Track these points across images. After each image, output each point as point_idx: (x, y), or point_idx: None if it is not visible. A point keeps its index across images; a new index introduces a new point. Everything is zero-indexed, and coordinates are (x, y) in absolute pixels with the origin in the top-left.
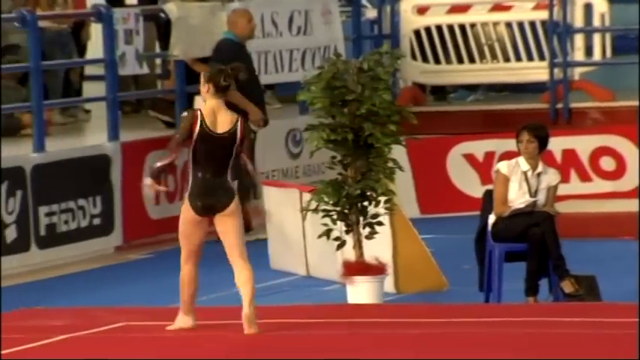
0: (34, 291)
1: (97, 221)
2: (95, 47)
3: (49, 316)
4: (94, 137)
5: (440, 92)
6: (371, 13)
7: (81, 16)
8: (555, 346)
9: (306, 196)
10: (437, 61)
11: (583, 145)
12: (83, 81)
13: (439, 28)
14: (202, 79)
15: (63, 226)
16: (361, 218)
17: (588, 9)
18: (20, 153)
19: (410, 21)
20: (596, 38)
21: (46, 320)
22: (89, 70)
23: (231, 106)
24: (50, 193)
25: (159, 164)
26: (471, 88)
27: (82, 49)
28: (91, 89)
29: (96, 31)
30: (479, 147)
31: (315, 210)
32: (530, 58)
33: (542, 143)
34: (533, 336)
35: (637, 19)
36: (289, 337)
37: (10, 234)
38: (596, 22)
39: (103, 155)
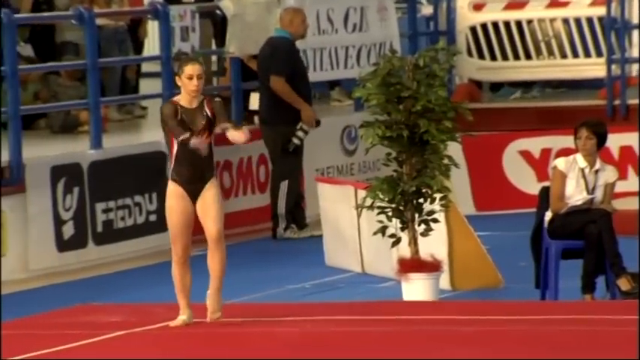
0: (90, 287)
1: (153, 217)
2: (151, 44)
3: (105, 312)
4: (151, 134)
5: (498, 89)
6: (427, 9)
7: (137, 14)
8: (612, 344)
9: (361, 193)
10: (493, 57)
11: None
12: (140, 78)
13: (495, 24)
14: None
15: (120, 223)
16: (416, 215)
17: None
18: (77, 150)
19: (466, 17)
20: None
21: (103, 316)
22: (146, 68)
23: (281, 104)
24: (107, 189)
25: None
26: (527, 84)
27: (138, 47)
28: (147, 86)
29: (152, 28)
30: (535, 144)
31: (371, 207)
32: (587, 54)
33: (601, 140)
34: (589, 334)
35: None
36: (344, 333)
37: (68, 230)
38: None
39: (159, 152)
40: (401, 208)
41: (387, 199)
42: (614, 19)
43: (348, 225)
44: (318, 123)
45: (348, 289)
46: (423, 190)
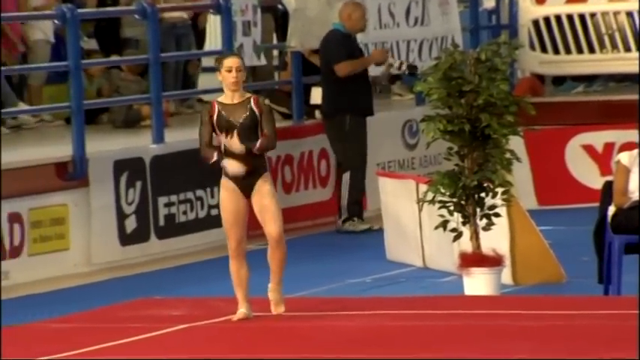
0: (152, 281)
1: (214, 212)
2: (213, 39)
3: (167, 305)
4: None
5: (561, 83)
6: (489, 3)
7: (199, 8)
8: None
9: (423, 187)
10: (556, 51)
11: None
12: (201, 72)
13: (558, 18)
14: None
15: (182, 217)
16: (478, 209)
17: None
18: (140, 144)
19: (528, 11)
20: None
21: (165, 310)
22: (206, 62)
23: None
24: (169, 183)
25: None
26: (590, 78)
27: (200, 41)
28: (208, 81)
29: (214, 22)
30: (598, 138)
31: (432, 201)
32: None
33: None
34: None
35: None
36: (404, 328)
37: (130, 224)
38: None
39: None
40: (462, 202)
41: (448, 193)
42: None
43: (410, 219)
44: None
45: (408, 284)
46: (485, 185)
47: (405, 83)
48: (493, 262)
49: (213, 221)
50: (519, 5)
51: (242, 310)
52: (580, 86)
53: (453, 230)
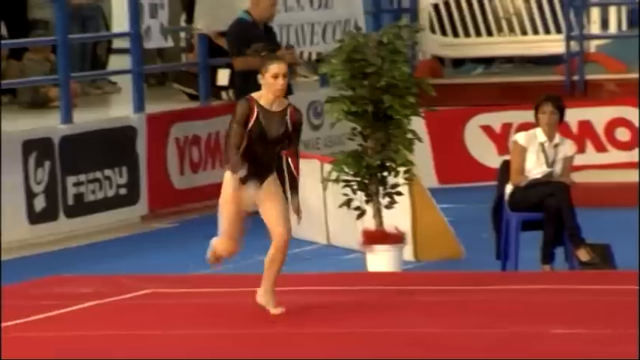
0: (62, 259)
1: (123, 191)
2: (121, 20)
3: (76, 283)
4: (120, 109)
5: (461, 65)
6: None
7: None
8: (570, 313)
9: (327, 167)
10: (455, 34)
11: (598, 116)
12: (110, 54)
13: (457, 1)
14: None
15: (90, 196)
16: (381, 188)
17: None
18: (48, 125)
19: None
20: (612, 11)
21: (74, 287)
22: (116, 44)
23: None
24: (78, 163)
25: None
26: (489, 61)
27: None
28: (117, 62)
29: (121, 4)
30: (496, 118)
31: (336, 180)
32: (546, 31)
33: (561, 115)
34: (548, 303)
35: None
36: (310, 304)
37: (39, 203)
38: None
39: (129, 127)
40: (366, 181)
41: (352, 172)
42: None
43: (314, 198)
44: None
45: (314, 261)
46: (387, 164)
47: (309, 65)
48: (395, 239)
49: (121, 200)
50: None
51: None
52: (479, 68)
53: (357, 208)
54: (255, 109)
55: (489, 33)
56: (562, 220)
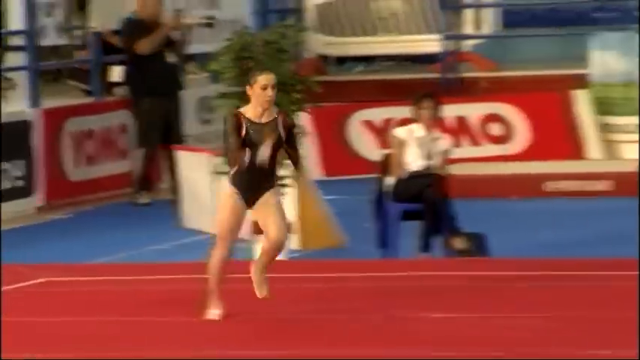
0: None
1: (19, 183)
2: (17, 18)
3: None
4: (16, 104)
5: (344, 63)
6: None
7: None
8: (447, 298)
9: (216, 160)
10: (339, 33)
11: (472, 112)
12: (6, 51)
13: (343, 2)
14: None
15: None
16: None
17: None
18: None
19: None
20: (485, 13)
21: None
22: (12, 41)
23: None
24: None
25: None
26: (370, 59)
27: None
28: (13, 59)
29: (17, 2)
30: (377, 114)
31: (225, 172)
32: (424, 31)
33: (438, 110)
34: (427, 289)
35: None
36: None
37: None
38: None
39: (24, 121)
40: None
41: None
42: None
43: (205, 189)
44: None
45: (204, 250)
46: None
47: (198, 63)
48: None
49: (17, 192)
50: None
51: (217, 312)
52: (360, 66)
53: None
54: (244, 124)
55: (371, 33)
56: (439, 211)
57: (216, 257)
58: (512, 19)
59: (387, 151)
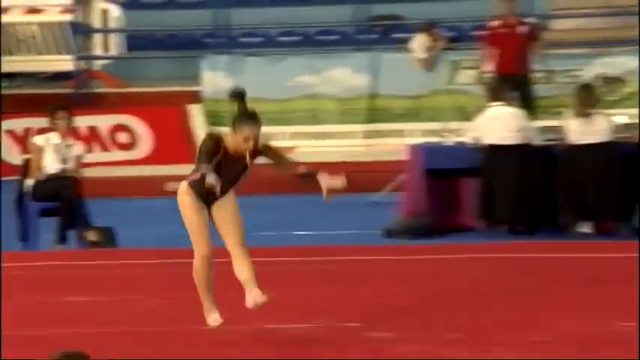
0: None
1: None
2: None
3: None
4: None
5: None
6: None
7: None
8: (80, 283)
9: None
10: None
11: (103, 122)
12: None
13: None
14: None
15: None
16: None
17: (105, 13)
18: None
19: None
20: (113, 37)
21: None
22: None
23: None
24: None
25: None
26: (14, 75)
27: None
28: None
29: None
30: (18, 124)
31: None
32: (59, 51)
33: (71, 121)
34: (64, 276)
35: (146, 23)
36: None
37: None
38: (112, 24)
39: None
40: None
41: None
42: (78, 24)
43: None
44: None
45: None
46: None
47: None
48: None
49: None
50: None
51: (215, 316)
52: (4, 82)
53: None
54: (221, 151)
55: (14, 52)
56: (74, 208)
57: (199, 263)
58: (136, 43)
59: (27, 157)
